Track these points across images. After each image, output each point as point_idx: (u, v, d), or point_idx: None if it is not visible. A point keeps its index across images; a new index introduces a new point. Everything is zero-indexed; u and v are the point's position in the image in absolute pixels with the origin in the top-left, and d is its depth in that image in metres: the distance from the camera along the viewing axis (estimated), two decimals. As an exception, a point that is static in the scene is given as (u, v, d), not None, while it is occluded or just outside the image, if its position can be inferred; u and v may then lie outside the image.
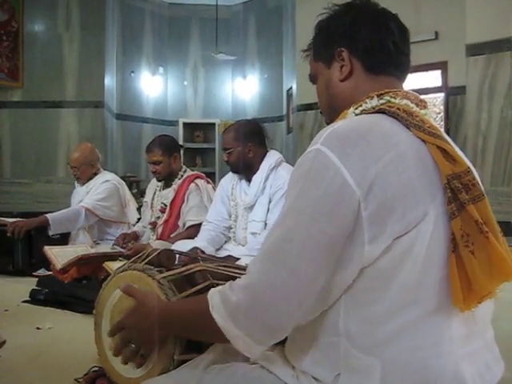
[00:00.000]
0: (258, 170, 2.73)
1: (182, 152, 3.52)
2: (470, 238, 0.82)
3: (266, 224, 2.68)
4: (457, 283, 0.82)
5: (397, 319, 0.83)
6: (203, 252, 2.65)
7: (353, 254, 0.83)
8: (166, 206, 3.35)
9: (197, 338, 1.05)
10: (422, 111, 0.95)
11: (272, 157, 2.75)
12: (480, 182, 0.89)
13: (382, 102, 0.94)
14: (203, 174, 3.52)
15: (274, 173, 2.70)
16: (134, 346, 1.07)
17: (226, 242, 2.90)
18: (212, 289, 0.93)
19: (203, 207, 3.21)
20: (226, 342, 0.90)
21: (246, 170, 2.75)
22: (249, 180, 2.77)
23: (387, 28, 1.00)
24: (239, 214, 2.80)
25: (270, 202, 2.68)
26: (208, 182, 3.43)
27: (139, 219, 3.82)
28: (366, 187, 0.81)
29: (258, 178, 2.71)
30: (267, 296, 0.83)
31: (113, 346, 1.11)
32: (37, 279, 3.02)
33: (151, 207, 3.48)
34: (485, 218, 0.83)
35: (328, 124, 0.95)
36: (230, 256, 2.59)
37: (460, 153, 0.92)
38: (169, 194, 3.38)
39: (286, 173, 2.68)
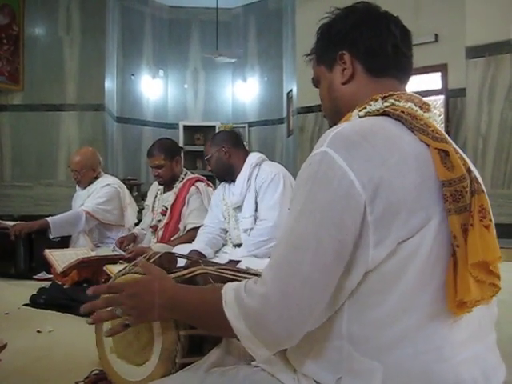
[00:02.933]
0: (237, 173, 2.83)
1: (182, 154, 3.53)
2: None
3: (255, 219, 2.75)
4: (451, 287, 0.82)
5: (399, 323, 0.83)
6: (202, 254, 2.68)
7: (358, 257, 0.82)
8: (166, 208, 3.35)
9: (201, 327, 1.02)
10: (426, 114, 0.95)
11: (253, 157, 2.86)
12: (481, 183, 0.89)
13: (386, 104, 0.94)
14: (204, 177, 3.53)
15: (258, 170, 2.79)
16: (120, 310, 1.00)
17: (223, 245, 2.93)
18: (227, 284, 0.93)
19: (204, 210, 3.21)
20: (230, 337, 0.89)
21: (228, 172, 2.86)
22: (235, 182, 2.85)
23: (389, 30, 1.00)
24: (230, 215, 2.87)
25: (256, 196, 2.75)
26: (209, 185, 3.43)
27: (137, 224, 3.81)
28: (371, 190, 0.80)
29: (241, 177, 2.80)
30: (281, 306, 0.82)
31: (97, 302, 1.03)
32: (37, 283, 3.02)
33: (152, 210, 3.48)
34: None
35: (331, 127, 0.95)
36: (231, 261, 2.61)
37: (463, 156, 0.92)
38: (169, 197, 3.38)
39: (269, 167, 2.81)
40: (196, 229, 3.12)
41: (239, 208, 2.81)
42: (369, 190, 0.80)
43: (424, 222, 0.82)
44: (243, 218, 2.78)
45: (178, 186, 3.37)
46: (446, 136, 0.91)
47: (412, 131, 0.88)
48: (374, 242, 0.81)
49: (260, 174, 2.77)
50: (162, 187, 3.48)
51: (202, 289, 1.08)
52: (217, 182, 3.24)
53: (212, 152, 2.86)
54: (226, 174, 2.88)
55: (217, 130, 9.12)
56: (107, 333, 1.05)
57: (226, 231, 2.93)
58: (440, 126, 6.20)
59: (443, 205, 0.83)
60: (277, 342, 0.85)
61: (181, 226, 3.29)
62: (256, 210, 2.74)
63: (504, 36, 4.99)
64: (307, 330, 0.85)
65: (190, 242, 3.01)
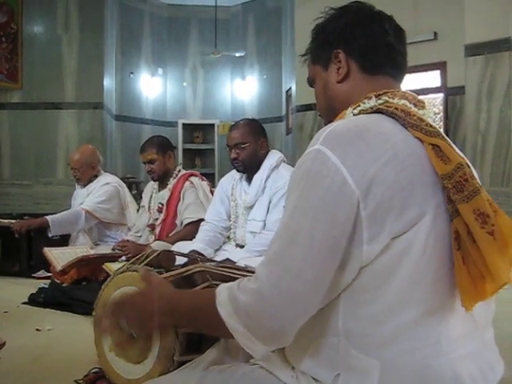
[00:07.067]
0: (259, 169, 2.70)
1: (175, 152, 3.52)
2: (487, 220, 0.81)
3: (265, 224, 2.66)
4: (465, 281, 0.81)
5: (395, 319, 0.83)
6: (202, 255, 2.65)
7: (352, 253, 0.83)
8: (162, 205, 3.35)
9: (199, 329, 1.04)
10: (420, 111, 0.95)
11: (273, 156, 2.73)
12: (476, 176, 0.89)
13: (380, 102, 0.95)
14: (197, 172, 3.53)
15: (275, 173, 2.68)
16: (125, 323, 1.03)
17: (224, 242, 2.89)
18: (222, 284, 0.93)
19: (199, 204, 3.22)
20: (227, 337, 0.90)
21: (255, 167, 2.70)
22: (250, 179, 2.76)
23: (382, 29, 1.01)
24: (239, 214, 2.78)
25: (270, 202, 2.66)
26: (202, 179, 3.43)
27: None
28: (364, 187, 0.81)
29: (258, 177, 2.69)
30: (274, 302, 0.82)
31: (103, 315, 1.07)
32: (36, 281, 3.02)
33: (149, 210, 3.47)
34: (487, 212, 0.82)
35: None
36: (228, 259, 2.59)
37: (455, 148, 0.92)
38: (165, 194, 3.38)
39: (287, 173, 2.64)
40: (193, 223, 3.12)
41: (250, 207, 2.72)
42: (362, 187, 0.81)
43: (418, 217, 0.82)
44: (252, 220, 2.70)
45: (172, 182, 3.37)
46: (439, 130, 0.91)
47: (405, 127, 0.89)
48: (367, 238, 0.82)
49: (277, 179, 2.64)
50: (156, 186, 3.48)
51: (198, 291, 1.09)
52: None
53: (250, 141, 2.65)
54: (253, 168, 2.71)
55: (216, 128, 9.13)
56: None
57: (228, 229, 2.85)
58: (438, 124, 6.20)
59: (438, 199, 0.84)
60: (271, 336, 0.85)
61: (178, 222, 3.29)
62: (267, 215, 2.65)
63: (503, 33, 4.98)
64: (300, 325, 0.86)
65: (188, 237, 2.99)
